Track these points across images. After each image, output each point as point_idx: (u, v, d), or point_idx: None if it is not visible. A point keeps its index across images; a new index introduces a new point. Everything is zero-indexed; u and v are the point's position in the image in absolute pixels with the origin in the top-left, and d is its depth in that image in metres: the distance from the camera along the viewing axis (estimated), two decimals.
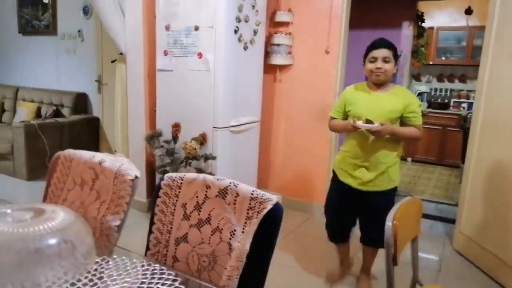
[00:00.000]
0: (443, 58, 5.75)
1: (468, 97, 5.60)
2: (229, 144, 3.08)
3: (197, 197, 1.06)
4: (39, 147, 4.06)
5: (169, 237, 1.08)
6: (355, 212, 2.14)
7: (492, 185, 2.52)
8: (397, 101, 1.94)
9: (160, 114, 3.22)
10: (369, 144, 1.97)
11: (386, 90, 1.98)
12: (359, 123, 1.89)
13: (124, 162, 1.21)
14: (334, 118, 2.14)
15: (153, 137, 3.19)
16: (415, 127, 1.96)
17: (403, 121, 1.98)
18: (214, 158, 3.03)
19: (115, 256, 1.01)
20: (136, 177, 1.18)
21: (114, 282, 0.89)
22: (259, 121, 3.37)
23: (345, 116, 2.11)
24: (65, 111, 4.59)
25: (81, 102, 4.65)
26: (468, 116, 3.53)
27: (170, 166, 3.14)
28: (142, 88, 3.28)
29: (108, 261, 0.99)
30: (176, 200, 1.09)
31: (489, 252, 2.48)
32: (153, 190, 3.66)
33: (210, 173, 3.06)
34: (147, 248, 1.12)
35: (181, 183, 1.10)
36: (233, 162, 3.15)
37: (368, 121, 1.88)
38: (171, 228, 1.08)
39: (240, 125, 3.12)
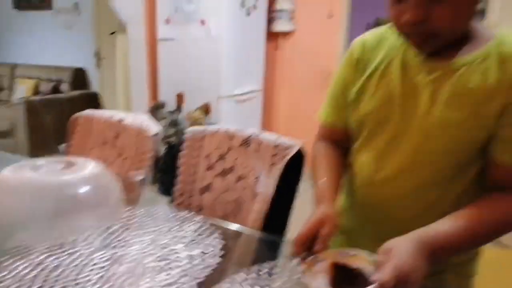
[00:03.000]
0: None
1: None
2: (232, 113, 3.09)
3: (220, 148, 1.09)
4: (40, 124, 4.05)
5: (194, 187, 1.11)
6: None
7: None
8: (488, 88, 0.69)
9: (163, 85, 3.21)
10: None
11: (459, 55, 0.72)
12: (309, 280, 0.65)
13: (145, 119, 1.23)
14: (325, 127, 0.94)
15: (156, 108, 3.19)
16: None
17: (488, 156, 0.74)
18: None
19: (141, 206, 1.04)
20: (157, 133, 1.20)
21: (146, 227, 0.93)
22: (262, 90, 3.37)
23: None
24: (64, 87, 4.55)
25: (80, 77, 4.61)
26: None
27: (174, 137, 3.16)
28: (144, 59, 3.25)
29: (136, 210, 1.02)
30: (199, 152, 1.12)
31: None
32: (158, 162, 3.68)
33: None
34: (172, 200, 1.16)
35: (204, 135, 1.12)
36: None
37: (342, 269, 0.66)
38: (196, 179, 1.11)
39: (244, 94, 3.13)
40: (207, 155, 1.11)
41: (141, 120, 1.22)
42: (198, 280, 0.72)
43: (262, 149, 1.03)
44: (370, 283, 0.59)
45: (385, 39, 0.81)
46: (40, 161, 0.96)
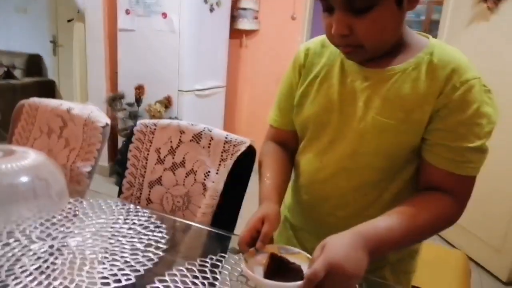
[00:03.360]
0: None
1: None
2: (194, 108, 3.07)
3: (171, 142, 1.08)
4: None
5: (143, 180, 1.11)
6: None
7: None
8: (418, 95, 0.74)
9: (122, 76, 3.13)
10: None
11: (393, 63, 0.77)
12: (244, 267, 0.68)
13: (94, 110, 1.20)
14: (274, 128, 0.97)
15: (114, 99, 3.11)
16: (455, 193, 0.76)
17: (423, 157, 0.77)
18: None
19: (88, 198, 1.02)
20: (107, 124, 1.17)
21: (90, 219, 0.91)
22: (225, 86, 3.37)
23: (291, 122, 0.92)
24: (17, 73, 4.32)
25: (34, 64, 4.39)
26: None
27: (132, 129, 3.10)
28: (102, 49, 3.16)
29: (81, 202, 1.00)
30: (150, 145, 1.11)
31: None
32: (116, 154, 3.59)
33: None
34: (120, 192, 1.14)
35: (155, 128, 1.12)
36: None
37: (274, 260, 0.70)
38: (145, 172, 1.11)
39: (206, 89, 3.11)
40: (157, 148, 1.10)
41: (90, 110, 1.19)
42: (138, 274, 0.72)
43: (213, 145, 1.04)
44: (302, 277, 0.62)
45: (327, 46, 0.85)
46: None
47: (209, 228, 0.96)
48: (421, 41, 0.77)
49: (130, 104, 3.11)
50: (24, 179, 0.88)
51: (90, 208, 0.97)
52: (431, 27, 5.66)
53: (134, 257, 0.77)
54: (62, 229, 0.86)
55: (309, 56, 0.87)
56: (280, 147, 0.94)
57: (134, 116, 3.08)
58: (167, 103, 3.02)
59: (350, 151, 0.79)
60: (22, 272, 0.69)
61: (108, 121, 1.18)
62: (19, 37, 4.56)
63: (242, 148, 1.00)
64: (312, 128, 0.85)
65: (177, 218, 0.96)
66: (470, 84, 0.70)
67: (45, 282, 0.67)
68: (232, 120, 3.64)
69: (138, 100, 3.09)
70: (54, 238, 0.82)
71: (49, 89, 4.34)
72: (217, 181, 1.00)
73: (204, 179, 1.03)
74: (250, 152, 1.02)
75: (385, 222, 0.70)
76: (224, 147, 1.03)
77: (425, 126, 0.73)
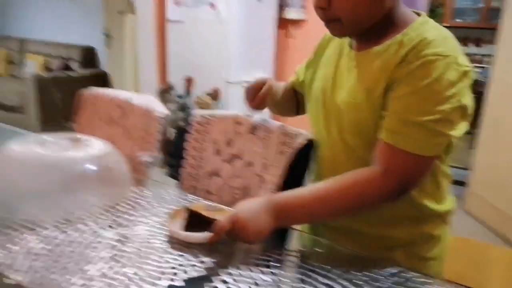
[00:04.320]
0: (458, 20, 5.58)
1: (481, 62, 5.50)
2: (242, 100, 3.07)
3: (228, 133, 1.08)
4: (50, 100, 4.06)
5: (201, 171, 1.11)
6: None
7: (505, 147, 2.54)
8: (379, 73, 0.75)
9: (172, 68, 3.19)
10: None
11: (378, 44, 0.77)
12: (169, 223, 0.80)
13: (153, 100, 1.22)
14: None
15: (165, 91, 3.18)
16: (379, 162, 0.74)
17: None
18: None
19: (148, 188, 1.04)
20: (166, 114, 1.19)
21: (154, 208, 0.93)
22: (272, 77, 3.34)
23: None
24: (74, 65, 4.55)
25: (89, 56, 4.59)
26: (481, 80, 3.50)
27: (183, 121, 3.16)
28: (152, 40, 3.23)
29: (143, 191, 1.02)
30: (207, 136, 1.11)
31: (499, 210, 2.54)
32: (166, 145, 3.69)
33: None
34: (178, 183, 1.16)
35: (211, 120, 1.11)
36: None
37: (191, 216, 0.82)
38: (203, 163, 1.11)
39: None
40: (214, 140, 1.10)
41: (149, 100, 1.21)
42: (205, 265, 0.72)
43: (270, 137, 1.02)
44: None
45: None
46: (48, 137, 0.96)
47: None
48: (407, 21, 0.75)
49: (179, 96, 3.17)
50: (92, 167, 0.91)
51: (152, 198, 0.99)
52: (490, 15, 5.26)
53: (200, 247, 0.77)
54: (128, 217, 0.88)
55: (324, 40, 0.95)
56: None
57: (183, 108, 3.14)
58: (215, 95, 3.04)
59: (329, 127, 0.84)
60: (95, 257, 0.72)
61: (167, 112, 1.19)
62: (75, 29, 4.78)
63: (301, 141, 0.97)
64: (312, 102, 0.92)
65: None
66: (428, 59, 0.68)
67: (117, 269, 0.69)
68: None
69: (188, 92, 3.14)
70: (121, 226, 0.84)
71: (103, 81, 4.53)
72: (274, 174, 0.98)
73: (261, 172, 1.02)
74: (308, 145, 0.99)
75: (298, 191, 0.79)
76: (281, 139, 1.00)
77: (381, 101, 0.73)
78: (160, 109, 1.19)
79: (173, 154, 2.95)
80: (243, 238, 0.73)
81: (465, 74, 0.68)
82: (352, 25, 0.74)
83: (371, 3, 0.72)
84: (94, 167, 0.90)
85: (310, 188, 0.80)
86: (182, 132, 3.00)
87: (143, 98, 1.24)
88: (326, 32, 0.86)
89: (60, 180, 0.87)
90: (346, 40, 0.85)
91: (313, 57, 0.98)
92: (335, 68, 0.85)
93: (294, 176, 0.99)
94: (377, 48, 0.76)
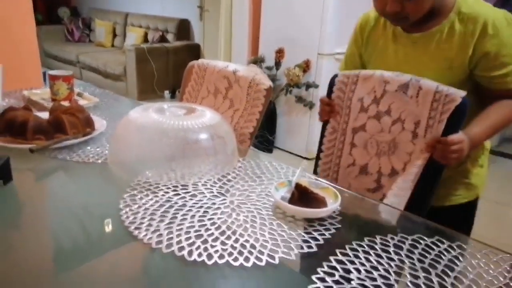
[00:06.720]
0: None
1: None
2: (333, 72, 2.96)
3: (374, 91, 1.05)
4: (147, 70, 4.36)
5: (346, 126, 1.12)
6: None
7: None
8: (457, 46, 0.98)
9: (264, 39, 3.18)
10: None
11: (432, 26, 1.00)
12: (278, 198, 0.80)
13: (258, 72, 1.22)
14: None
15: (255, 62, 3.20)
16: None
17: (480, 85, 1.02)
18: (316, 86, 2.96)
19: (250, 158, 1.05)
20: (270, 86, 1.18)
21: (261, 180, 0.94)
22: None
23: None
24: (169, 36, 4.79)
25: (183, 28, 4.80)
26: None
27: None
28: (247, 13, 3.24)
29: (249, 161, 1.03)
30: (352, 95, 1.10)
31: None
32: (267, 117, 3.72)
33: (311, 102, 3.02)
34: (323, 136, 1.18)
35: (357, 79, 1.09)
36: None
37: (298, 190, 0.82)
38: (348, 119, 1.11)
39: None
40: (360, 98, 1.08)
41: (255, 72, 1.21)
42: (318, 242, 0.70)
43: (421, 95, 0.97)
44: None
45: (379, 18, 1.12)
46: (164, 105, 1.01)
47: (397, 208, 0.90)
48: (450, 2, 0.98)
49: (269, 68, 3.17)
50: (206, 136, 0.94)
51: (258, 168, 1.00)
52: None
53: (308, 222, 0.75)
54: (237, 186, 0.90)
55: (367, 25, 1.14)
56: None
57: (272, 80, 3.13)
58: (305, 67, 2.97)
59: None
60: (212, 225, 0.74)
61: (271, 84, 1.18)
62: (172, 3, 5.00)
63: (457, 99, 0.92)
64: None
65: (350, 192, 0.92)
66: (497, 24, 0.93)
67: (234, 237, 0.71)
68: None
69: (278, 64, 3.12)
70: (232, 195, 0.86)
71: (195, 53, 4.72)
72: (432, 132, 0.97)
73: (415, 128, 0.99)
74: (464, 102, 0.94)
75: (480, 124, 0.97)
76: (435, 97, 0.96)
77: (467, 68, 0.98)
78: (265, 81, 1.18)
79: (261, 127, 2.99)
80: (455, 158, 0.91)
81: None
82: (417, 19, 0.97)
83: (433, 1, 0.94)
84: (208, 136, 0.93)
85: (487, 122, 0.98)
86: (269, 104, 3.02)
87: (249, 70, 1.25)
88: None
89: (175, 148, 0.91)
90: (391, 28, 1.07)
91: (360, 37, 1.18)
92: (393, 53, 1.07)
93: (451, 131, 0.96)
94: (437, 28, 0.99)
